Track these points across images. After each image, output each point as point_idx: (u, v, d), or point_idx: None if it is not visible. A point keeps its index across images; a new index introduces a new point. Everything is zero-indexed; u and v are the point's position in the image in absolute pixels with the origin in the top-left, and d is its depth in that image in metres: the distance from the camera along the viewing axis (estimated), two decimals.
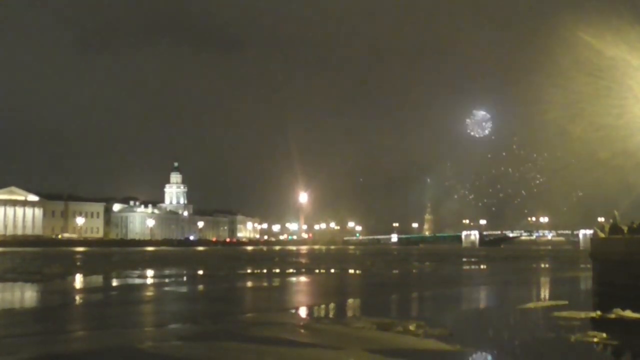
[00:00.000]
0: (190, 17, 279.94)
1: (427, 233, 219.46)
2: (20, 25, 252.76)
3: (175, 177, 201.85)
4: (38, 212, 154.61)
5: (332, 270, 39.55)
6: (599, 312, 15.36)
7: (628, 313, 14.57)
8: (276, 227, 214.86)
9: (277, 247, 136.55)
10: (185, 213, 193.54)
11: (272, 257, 67.24)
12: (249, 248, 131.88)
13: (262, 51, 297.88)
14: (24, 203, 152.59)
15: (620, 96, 26.98)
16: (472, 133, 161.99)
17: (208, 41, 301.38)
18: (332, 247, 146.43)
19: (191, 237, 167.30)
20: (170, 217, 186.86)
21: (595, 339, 11.73)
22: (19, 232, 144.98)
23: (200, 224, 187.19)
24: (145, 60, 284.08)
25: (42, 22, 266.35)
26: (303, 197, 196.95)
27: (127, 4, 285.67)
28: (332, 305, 19.45)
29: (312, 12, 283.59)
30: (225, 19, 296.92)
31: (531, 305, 18.02)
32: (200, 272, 38.43)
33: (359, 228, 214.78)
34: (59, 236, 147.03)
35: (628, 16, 26.16)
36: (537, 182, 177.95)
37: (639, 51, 25.41)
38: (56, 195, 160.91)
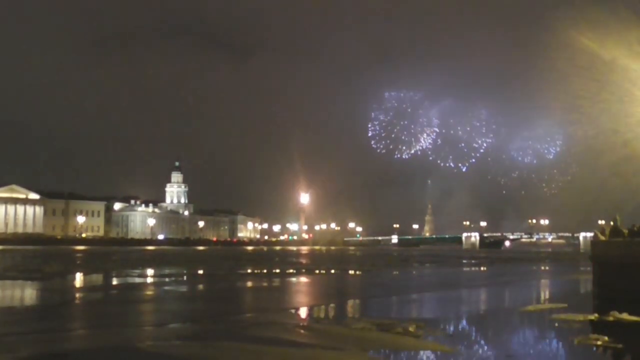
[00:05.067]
0: (203, 21, 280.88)
1: (427, 234, 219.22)
2: (31, 24, 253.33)
3: (176, 176, 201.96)
4: (39, 210, 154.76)
5: (333, 271, 39.55)
6: (596, 315, 15.40)
7: (625, 316, 14.59)
8: (277, 227, 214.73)
9: (278, 247, 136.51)
10: (186, 212, 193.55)
11: (273, 257, 67.24)
12: (250, 248, 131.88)
13: (270, 54, 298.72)
14: (25, 201, 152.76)
15: (621, 99, 26.98)
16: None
17: (217, 44, 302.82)
18: (333, 247, 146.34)
19: (160, 237, 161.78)
20: (171, 217, 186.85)
21: (598, 342, 11.74)
22: (20, 230, 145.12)
23: (201, 224, 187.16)
24: (151, 61, 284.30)
25: (54, 21, 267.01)
26: (304, 198, 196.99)
27: (142, 6, 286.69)
28: (332, 306, 19.48)
29: (320, 17, 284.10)
30: (239, 24, 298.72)
31: (531, 307, 18.02)
32: (201, 271, 38.48)
33: (359, 229, 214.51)
34: (83, 235, 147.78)
35: (627, 18, 26.14)
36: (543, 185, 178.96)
37: (638, 54, 25.39)
38: (57, 194, 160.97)
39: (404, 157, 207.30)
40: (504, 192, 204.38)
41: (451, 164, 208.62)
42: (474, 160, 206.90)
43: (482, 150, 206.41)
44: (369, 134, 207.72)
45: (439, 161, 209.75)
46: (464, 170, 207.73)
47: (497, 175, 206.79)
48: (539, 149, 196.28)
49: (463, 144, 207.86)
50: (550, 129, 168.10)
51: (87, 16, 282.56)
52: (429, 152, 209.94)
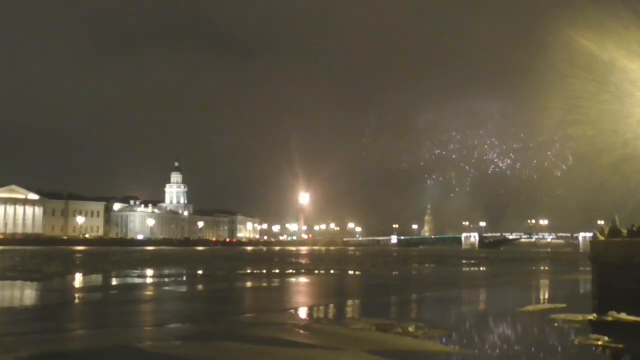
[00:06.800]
0: (204, 22, 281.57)
1: (427, 235, 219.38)
2: (33, 25, 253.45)
3: (176, 177, 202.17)
4: (38, 210, 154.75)
5: (332, 272, 39.55)
6: (595, 315, 15.42)
7: (624, 316, 14.61)
8: (276, 228, 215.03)
9: (277, 248, 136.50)
10: (186, 213, 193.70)
11: (272, 257, 67.24)
12: (249, 248, 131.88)
13: (271, 55, 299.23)
14: (25, 202, 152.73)
15: (621, 100, 27.03)
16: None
17: (218, 45, 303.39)
18: (332, 248, 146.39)
19: (140, 237, 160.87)
20: (170, 217, 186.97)
21: (599, 342, 11.74)
22: (20, 230, 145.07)
23: (201, 224, 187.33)
24: (152, 62, 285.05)
25: (55, 22, 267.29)
26: (303, 198, 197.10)
27: (144, 8, 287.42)
28: (331, 307, 19.48)
29: (321, 17, 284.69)
30: (240, 25, 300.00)
31: (530, 308, 18.05)
32: (200, 272, 38.49)
33: (359, 229, 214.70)
34: (87, 236, 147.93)
35: (626, 19, 26.18)
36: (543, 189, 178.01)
37: (637, 55, 25.44)
38: (57, 194, 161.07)
39: (403, 165, 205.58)
40: (505, 202, 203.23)
41: (453, 181, 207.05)
42: (476, 173, 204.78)
43: (491, 165, 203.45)
44: (365, 141, 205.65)
45: (438, 174, 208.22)
46: (468, 189, 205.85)
47: (497, 185, 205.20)
48: (542, 162, 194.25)
49: (463, 163, 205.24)
50: (560, 144, 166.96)
51: (88, 17, 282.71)
52: (430, 166, 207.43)
